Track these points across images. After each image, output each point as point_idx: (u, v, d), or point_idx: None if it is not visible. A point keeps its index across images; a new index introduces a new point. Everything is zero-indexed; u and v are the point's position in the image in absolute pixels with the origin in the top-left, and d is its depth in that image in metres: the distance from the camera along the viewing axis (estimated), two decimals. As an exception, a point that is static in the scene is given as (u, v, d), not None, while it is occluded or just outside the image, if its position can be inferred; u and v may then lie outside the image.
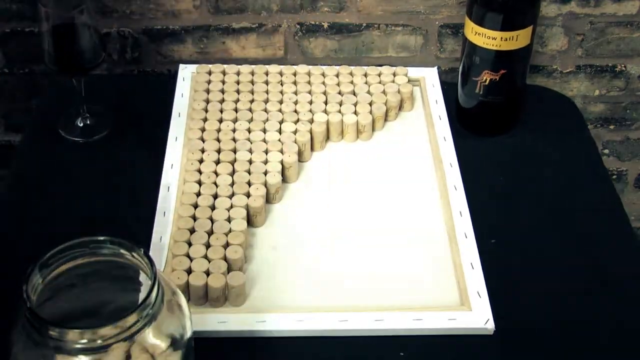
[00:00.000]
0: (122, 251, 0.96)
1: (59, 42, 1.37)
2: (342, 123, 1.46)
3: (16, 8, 1.61)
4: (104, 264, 0.98)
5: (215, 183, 1.34)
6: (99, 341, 0.87)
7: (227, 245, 1.25)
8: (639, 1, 1.63)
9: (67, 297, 0.99)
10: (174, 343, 0.95)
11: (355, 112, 1.48)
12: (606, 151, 1.85)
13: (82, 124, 1.49)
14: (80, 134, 1.48)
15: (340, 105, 1.50)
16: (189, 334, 0.98)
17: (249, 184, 1.34)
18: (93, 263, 0.97)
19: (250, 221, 1.31)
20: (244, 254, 1.25)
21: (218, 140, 1.42)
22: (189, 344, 0.99)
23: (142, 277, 1.02)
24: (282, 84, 1.54)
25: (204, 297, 1.20)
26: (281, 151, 1.40)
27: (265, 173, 1.36)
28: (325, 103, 1.50)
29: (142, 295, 1.02)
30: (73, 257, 0.96)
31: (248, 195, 1.32)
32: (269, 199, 1.36)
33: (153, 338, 0.92)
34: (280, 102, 1.50)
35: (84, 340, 0.87)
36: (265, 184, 1.34)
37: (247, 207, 1.30)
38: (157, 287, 0.91)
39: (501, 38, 1.39)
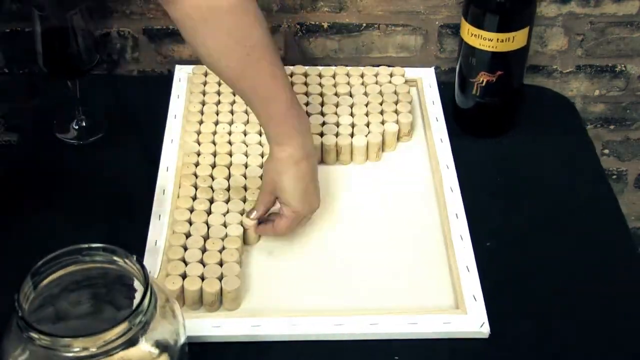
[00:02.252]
0: (115, 258, 0.96)
1: (53, 45, 1.37)
2: (338, 124, 1.46)
3: (16, 8, 1.60)
4: (97, 271, 0.98)
5: (211, 187, 1.34)
6: (93, 349, 0.88)
7: (222, 249, 1.25)
8: (639, 1, 1.62)
9: (59, 304, 0.99)
10: (167, 349, 0.95)
11: (352, 113, 1.48)
12: (606, 151, 1.85)
13: (77, 126, 1.49)
14: (75, 136, 1.48)
15: (337, 107, 1.49)
16: (182, 340, 0.98)
17: (245, 188, 1.34)
18: (86, 270, 0.97)
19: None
20: (240, 259, 1.25)
21: (214, 143, 1.41)
22: (183, 349, 0.99)
23: (137, 284, 1.02)
24: (278, 85, 1.53)
25: (199, 302, 1.20)
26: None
27: (262, 177, 1.35)
28: (322, 104, 1.50)
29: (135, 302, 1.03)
30: (66, 265, 0.96)
31: (244, 199, 1.32)
32: (265, 203, 1.36)
33: (146, 344, 0.92)
34: (277, 103, 1.49)
35: (77, 349, 0.87)
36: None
37: (243, 212, 1.30)
38: (150, 294, 0.91)
39: (497, 39, 1.39)
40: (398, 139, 1.47)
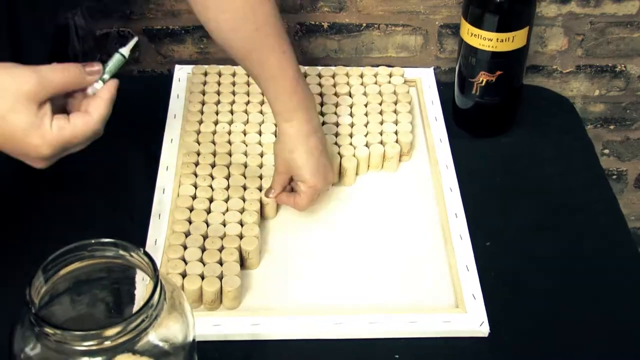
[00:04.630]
0: (123, 252, 0.96)
1: (53, 45, 1.36)
2: (337, 125, 1.47)
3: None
4: (106, 266, 0.98)
5: (210, 186, 1.34)
6: (107, 342, 0.88)
7: (222, 248, 1.25)
8: (639, 1, 1.62)
9: (67, 300, 0.99)
10: (176, 343, 0.95)
11: (351, 114, 1.48)
12: (606, 151, 1.85)
13: None
14: None
15: (336, 107, 1.49)
16: (192, 334, 0.98)
17: (244, 187, 1.34)
18: (94, 265, 0.97)
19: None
20: (239, 257, 1.25)
21: (214, 142, 1.42)
22: (193, 344, 0.99)
23: (138, 279, 1.03)
24: (278, 85, 1.54)
25: (199, 301, 1.20)
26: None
27: (261, 177, 1.36)
28: (321, 104, 1.50)
29: (138, 296, 1.03)
30: (75, 259, 0.95)
31: (243, 199, 1.32)
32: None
33: (156, 339, 0.92)
34: (276, 103, 1.49)
35: (89, 342, 0.87)
36: (261, 188, 1.34)
37: (242, 210, 1.30)
38: (160, 287, 0.92)
39: (497, 39, 1.39)
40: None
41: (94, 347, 0.87)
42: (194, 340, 0.99)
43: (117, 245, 0.96)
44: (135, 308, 1.04)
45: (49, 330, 0.87)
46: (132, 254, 0.95)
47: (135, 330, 0.89)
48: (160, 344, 0.93)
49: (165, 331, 0.93)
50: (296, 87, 1.24)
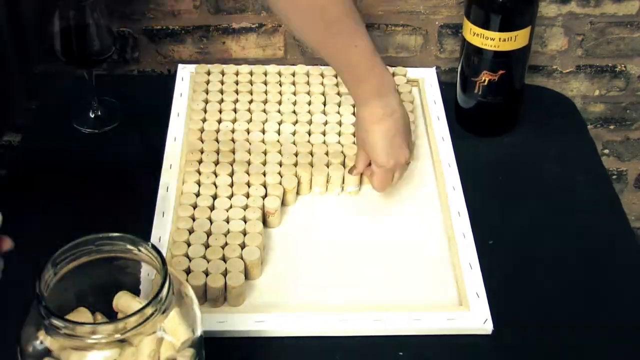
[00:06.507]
0: (130, 247, 0.96)
1: (70, 34, 1.38)
2: (340, 124, 1.47)
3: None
4: (114, 260, 0.98)
5: (214, 183, 1.34)
6: (117, 335, 0.87)
7: (225, 245, 1.25)
8: (639, 1, 1.63)
9: (77, 292, 0.99)
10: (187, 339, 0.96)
11: (354, 113, 1.48)
12: (606, 151, 1.85)
13: (93, 115, 1.52)
14: (92, 125, 1.51)
15: (339, 106, 1.50)
16: (199, 328, 0.98)
17: (248, 184, 1.34)
18: (102, 259, 0.97)
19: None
20: (242, 254, 1.25)
21: (217, 140, 1.42)
22: (200, 339, 0.99)
23: (143, 274, 1.03)
24: (280, 84, 1.54)
25: (203, 297, 1.21)
26: (280, 152, 1.40)
27: (264, 174, 1.36)
28: (324, 104, 1.50)
29: (143, 292, 1.04)
30: (85, 253, 0.95)
31: (247, 195, 1.33)
32: (267, 200, 1.36)
33: (165, 333, 0.92)
34: (279, 102, 1.50)
35: (99, 336, 0.87)
36: (264, 185, 1.34)
37: (245, 207, 1.31)
38: (168, 281, 0.92)
39: (499, 39, 1.39)
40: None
41: (103, 340, 0.88)
42: (201, 335, 0.99)
43: (124, 240, 0.96)
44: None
45: (59, 323, 0.87)
46: (140, 248, 0.95)
47: (143, 325, 0.89)
48: (169, 339, 0.93)
49: (172, 325, 0.94)
50: (368, 77, 1.28)
